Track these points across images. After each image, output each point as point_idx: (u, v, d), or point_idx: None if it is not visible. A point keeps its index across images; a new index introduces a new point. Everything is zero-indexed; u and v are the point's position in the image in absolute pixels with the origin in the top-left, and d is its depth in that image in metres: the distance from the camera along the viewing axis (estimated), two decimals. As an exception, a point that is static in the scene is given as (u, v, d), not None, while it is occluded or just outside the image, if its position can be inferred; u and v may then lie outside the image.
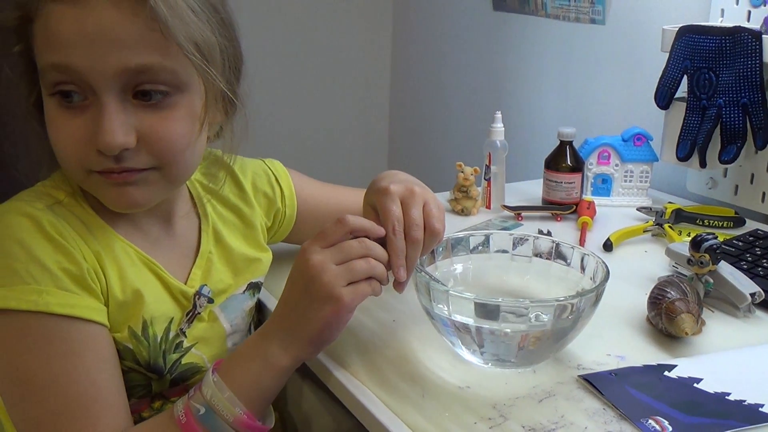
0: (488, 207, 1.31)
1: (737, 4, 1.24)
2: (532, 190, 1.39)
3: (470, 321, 0.74)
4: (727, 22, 1.24)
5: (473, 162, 1.30)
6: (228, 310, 0.88)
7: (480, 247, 0.90)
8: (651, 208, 1.22)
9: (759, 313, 0.92)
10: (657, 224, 1.18)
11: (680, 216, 1.19)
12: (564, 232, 1.20)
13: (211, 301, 0.85)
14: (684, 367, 0.78)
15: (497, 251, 0.90)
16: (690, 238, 0.93)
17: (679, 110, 1.21)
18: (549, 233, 1.16)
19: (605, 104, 1.59)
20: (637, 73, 1.49)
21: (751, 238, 1.10)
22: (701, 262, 0.91)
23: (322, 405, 0.90)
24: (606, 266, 0.79)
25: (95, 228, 0.77)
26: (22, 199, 0.76)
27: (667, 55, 1.22)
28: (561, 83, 1.71)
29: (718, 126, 1.16)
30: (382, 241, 0.77)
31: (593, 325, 0.79)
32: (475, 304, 0.73)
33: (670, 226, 1.16)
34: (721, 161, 1.18)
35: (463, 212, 1.27)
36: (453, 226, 1.15)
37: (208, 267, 0.87)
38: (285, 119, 2.18)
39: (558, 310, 0.73)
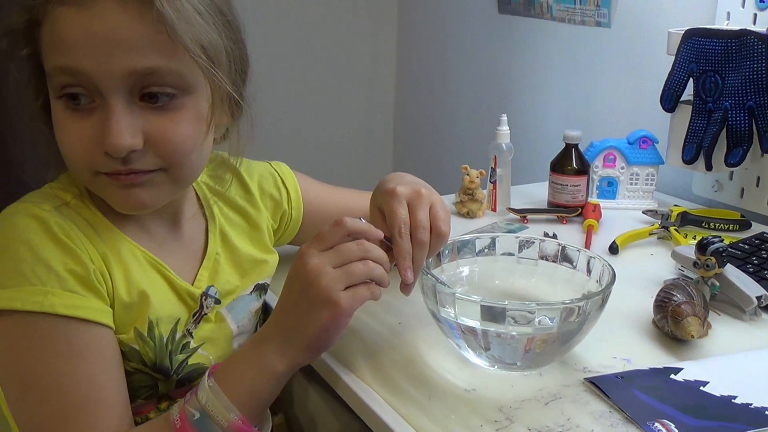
0: (494, 210, 1.31)
1: (743, 7, 1.24)
2: (537, 192, 1.39)
3: (476, 324, 0.74)
4: (733, 25, 1.24)
5: (479, 165, 1.30)
6: (235, 311, 0.88)
7: (486, 250, 0.90)
8: (657, 211, 1.22)
9: (765, 316, 0.92)
10: (663, 227, 1.17)
11: (686, 219, 1.19)
12: (569, 235, 1.20)
13: (218, 302, 0.86)
14: (690, 370, 0.78)
15: (503, 254, 0.90)
16: (696, 241, 0.93)
17: (684, 113, 1.21)
18: (555, 236, 1.16)
19: (611, 107, 1.59)
20: (643, 76, 1.49)
21: (757, 241, 1.10)
22: (707, 265, 0.91)
23: (328, 407, 0.90)
24: (612, 269, 0.79)
25: (102, 229, 0.77)
26: (29, 201, 0.76)
27: (673, 58, 1.22)
28: (566, 86, 1.71)
29: (724, 129, 1.16)
30: (387, 246, 0.77)
31: (599, 328, 0.79)
32: (482, 307, 0.73)
33: (675, 229, 1.16)
34: (727, 164, 1.18)
35: (469, 215, 1.28)
36: (458, 229, 1.16)
37: (215, 268, 0.87)
38: (290, 122, 2.18)
39: (564, 313, 0.73)
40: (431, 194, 0.80)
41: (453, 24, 2.07)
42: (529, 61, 1.82)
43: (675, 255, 0.99)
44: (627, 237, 1.15)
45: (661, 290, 0.88)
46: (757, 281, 0.93)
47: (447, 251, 0.87)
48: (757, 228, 1.21)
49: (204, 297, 0.84)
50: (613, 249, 1.12)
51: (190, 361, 0.83)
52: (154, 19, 0.69)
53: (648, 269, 1.05)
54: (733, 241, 1.10)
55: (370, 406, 0.75)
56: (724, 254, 0.90)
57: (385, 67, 2.36)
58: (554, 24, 1.70)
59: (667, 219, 1.18)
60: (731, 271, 0.92)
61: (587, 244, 1.15)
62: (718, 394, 0.74)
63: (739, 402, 0.73)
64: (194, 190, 0.90)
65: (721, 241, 0.91)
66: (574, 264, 0.85)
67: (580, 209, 1.26)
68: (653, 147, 1.31)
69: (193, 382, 0.84)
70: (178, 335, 0.82)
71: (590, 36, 1.61)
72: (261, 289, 0.93)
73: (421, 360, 0.82)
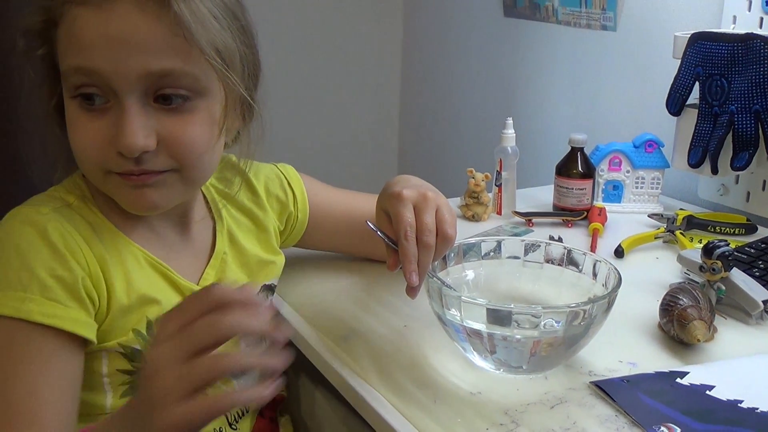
0: (499, 213, 1.31)
1: (749, 10, 1.24)
2: (543, 196, 1.39)
3: (482, 327, 0.74)
4: (740, 29, 1.24)
5: (484, 168, 1.30)
6: (242, 310, 0.88)
7: (492, 253, 0.90)
8: (662, 215, 1.22)
9: (771, 320, 0.92)
10: (668, 231, 1.17)
11: (692, 223, 1.19)
12: (575, 238, 1.20)
13: None
14: (696, 374, 0.78)
15: (509, 257, 0.90)
16: (702, 245, 0.93)
17: (690, 117, 1.21)
18: (560, 239, 1.16)
19: (616, 111, 1.59)
20: (649, 79, 1.49)
21: (763, 245, 1.10)
22: (713, 269, 0.90)
23: (334, 411, 0.90)
24: (618, 273, 0.79)
25: (103, 231, 0.78)
26: (30, 204, 0.76)
27: (679, 61, 1.22)
28: (572, 90, 1.71)
29: (730, 133, 1.16)
30: (393, 249, 0.77)
31: (605, 332, 0.79)
32: (487, 310, 0.73)
33: (681, 233, 1.16)
34: (733, 168, 1.17)
35: (474, 218, 1.28)
36: (463, 232, 1.16)
37: (222, 267, 0.87)
38: (295, 124, 2.18)
39: (570, 317, 0.73)
40: (437, 197, 0.80)
41: (458, 27, 2.08)
42: (534, 65, 1.82)
43: (681, 259, 0.99)
44: (632, 241, 1.15)
45: (666, 294, 0.87)
46: (764, 285, 0.93)
47: (453, 254, 0.87)
48: (763, 232, 1.20)
49: None
50: (619, 253, 1.12)
51: None
52: (172, 21, 0.70)
53: (653, 273, 1.05)
54: (739, 245, 1.10)
55: (375, 409, 0.75)
56: (730, 258, 0.90)
57: (390, 70, 2.36)
58: (560, 27, 1.70)
59: (672, 223, 1.18)
60: (737, 275, 0.92)
61: (593, 248, 1.15)
62: (724, 398, 0.74)
63: (745, 406, 0.73)
64: (202, 192, 0.90)
65: (727, 244, 0.91)
66: (580, 267, 0.85)
67: (586, 213, 1.26)
68: (659, 150, 1.31)
69: None
70: None
71: (596, 39, 1.61)
72: (268, 290, 0.93)
73: (426, 363, 0.82)
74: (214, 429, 0.87)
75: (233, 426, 0.89)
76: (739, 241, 1.15)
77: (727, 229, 1.20)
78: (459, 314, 0.75)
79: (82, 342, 0.73)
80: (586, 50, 1.65)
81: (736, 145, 1.16)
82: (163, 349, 0.57)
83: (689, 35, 1.20)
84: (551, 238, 1.17)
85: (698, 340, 0.81)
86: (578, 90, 1.69)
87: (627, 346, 0.85)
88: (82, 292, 0.72)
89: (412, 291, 0.77)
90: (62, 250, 0.72)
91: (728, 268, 0.91)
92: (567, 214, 1.28)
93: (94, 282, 0.74)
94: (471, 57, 2.05)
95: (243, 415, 0.91)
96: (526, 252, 0.89)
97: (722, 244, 0.91)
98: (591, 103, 1.66)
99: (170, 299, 0.81)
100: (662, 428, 0.69)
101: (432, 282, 0.78)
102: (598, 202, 1.32)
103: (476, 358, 0.79)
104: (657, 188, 1.33)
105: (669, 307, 0.85)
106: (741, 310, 0.92)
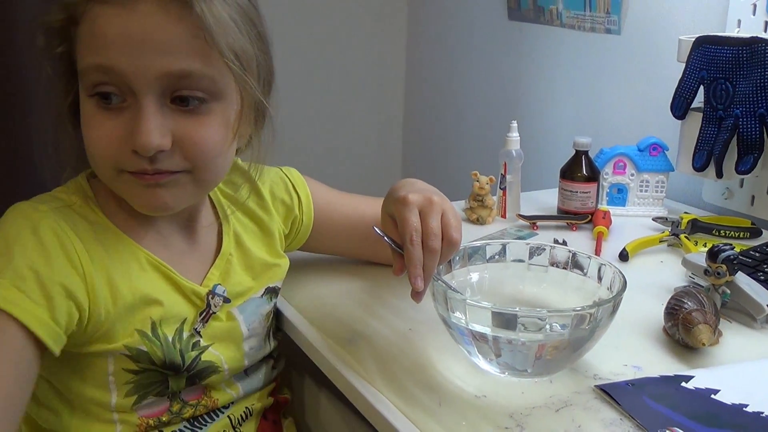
0: (503, 216, 1.31)
1: (754, 14, 1.24)
2: (547, 199, 1.39)
3: (487, 330, 0.74)
4: (744, 33, 1.24)
5: (488, 171, 1.30)
6: (246, 312, 0.89)
7: (496, 257, 0.90)
8: (667, 218, 1.22)
9: (776, 324, 0.92)
10: (673, 234, 1.17)
11: (696, 226, 1.19)
12: (579, 241, 1.20)
13: (227, 300, 0.86)
14: (701, 378, 0.78)
15: (514, 260, 0.90)
16: (706, 249, 0.93)
17: (695, 120, 1.21)
18: (564, 243, 1.16)
19: (621, 114, 1.59)
20: (653, 83, 1.49)
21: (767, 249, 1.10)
22: (718, 273, 0.90)
23: (338, 413, 0.90)
24: (623, 276, 0.79)
25: (104, 231, 0.78)
26: (31, 201, 0.77)
27: (684, 65, 1.22)
28: (577, 93, 1.71)
29: (735, 136, 1.16)
30: (399, 253, 0.78)
31: (610, 336, 0.79)
32: (493, 313, 0.73)
33: (686, 237, 1.16)
34: (738, 172, 1.17)
35: (478, 221, 1.28)
36: (468, 236, 1.16)
37: (227, 268, 0.88)
38: (300, 128, 2.19)
39: (575, 320, 0.73)
40: (443, 202, 0.80)
41: (462, 31, 2.08)
42: (539, 68, 1.82)
43: (685, 262, 0.99)
44: (637, 244, 1.15)
45: (671, 298, 0.87)
46: (768, 289, 0.93)
47: (458, 258, 0.87)
48: (767, 236, 1.20)
49: (211, 295, 0.85)
50: (623, 256, 1.12)
51: (203, 358, 0.83)
52: (193, 23, 0.70)
53: (658, 277, 1.05)
54: (744, 248, 1.10)
55: (380, 412, 0.75)
56: (734, 262, 0.90)
57: (394, 73, 2.37)
58: (564, 31, 1.70)
59: (677, 226, 1.18)
60: (742, 279, 0.92)
61: (597, 251, 1.15)
62: (729, 402, 0.74)
63: (750, 410, 0.73)
64: (209, 196, 0.90)
65: (732, 248, 0.91)
66: (585, 271, 0.86)
67: (590, 216, 1.26)
68: (663, 154, 1.31)
69: (203, 380, 0.84)
70: (186, 335, 0.82)
71: (600, 43, 1.61)
72: (272, 292, 0.93)
73: (431, 366, 0.82)
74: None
75: (237, 429, 0.90)
76: (744, 244, 1.14)
77: (732, 232, 1.20)
78: (464, 317, 0.75)
79: (40, 346, 0.69)
80: (591, 54, 1.65)
81: (740, 148, 1.16)
82: None
83: (694, 39, 1.20)
84: (556, 241, 1.17)
85: (703, 344, 0.81)
86: (582, 93, 1.69)
87: (632, 350, 0.85)
88: (56, 293, 0.70)
89: (417, 295, 0.77)
90: (49, 248, 0.72)
91: (733, 272, 0.91)
92: (571, 217, 1.28)
93: (87, 283, 0.74)
94: (475, 60, 2.05)
95: (247, 417, 0.91)
96: (531, 255, 0.89)
97: (727, 247, 0.91)
98: (595, 107, 1.66)
99: (172, 300, 0.81)
100: (667, 432, 0.69)
101: (437, 285, 0.78)
102: (603, 206, 1.32)
103: (481, 362, 0.79)
104: (661, 192, 1.33)
105: (674, 310, 0.85)
106: (746, 313, 0.92)
